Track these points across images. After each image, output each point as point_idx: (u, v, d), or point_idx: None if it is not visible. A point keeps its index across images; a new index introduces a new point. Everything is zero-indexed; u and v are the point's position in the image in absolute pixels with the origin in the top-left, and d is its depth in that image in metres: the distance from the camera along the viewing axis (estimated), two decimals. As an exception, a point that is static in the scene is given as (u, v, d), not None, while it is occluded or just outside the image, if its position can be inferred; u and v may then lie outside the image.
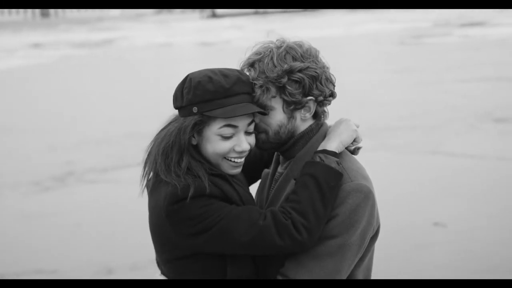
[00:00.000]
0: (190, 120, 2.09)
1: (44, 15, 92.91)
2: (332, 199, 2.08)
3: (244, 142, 2.13)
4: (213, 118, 2.09)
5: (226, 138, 2.11)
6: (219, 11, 70.74)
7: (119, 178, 8.32)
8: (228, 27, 36.85)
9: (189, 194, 2.03)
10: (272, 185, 2.29)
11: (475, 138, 9.27)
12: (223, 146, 2.11)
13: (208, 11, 67.26)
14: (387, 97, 12.59)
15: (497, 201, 6.59)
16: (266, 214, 2.06)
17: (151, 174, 2.17)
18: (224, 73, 2.10)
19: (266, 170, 2.40)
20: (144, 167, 2.21)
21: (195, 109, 2.08)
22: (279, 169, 2.28)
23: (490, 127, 9.88)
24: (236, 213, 2.05)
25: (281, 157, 2.29)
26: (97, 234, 6.40)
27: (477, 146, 8.82)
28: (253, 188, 2.36)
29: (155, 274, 2.27)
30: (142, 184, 2.22)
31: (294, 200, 2.07)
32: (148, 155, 2.20)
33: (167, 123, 2.19)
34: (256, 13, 70.88)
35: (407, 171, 7.81)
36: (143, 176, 2.21)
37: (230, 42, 26.80)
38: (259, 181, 2.44)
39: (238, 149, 2.13)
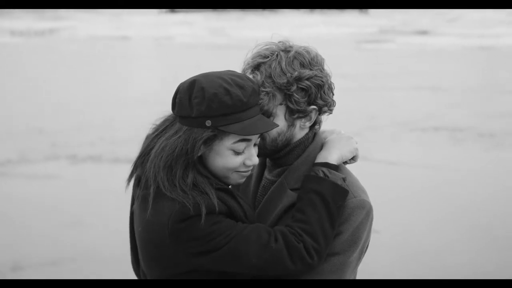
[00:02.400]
0: (200, 134, 1.94)
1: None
2: (338, 218, 2.03)
3: (255, 156, 2.04)
4: (227, 133, 1.96)
5: (238, 152, 2.01)
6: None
7: (22, 173, 8.08)
8: (178, 23, 36.40)
9: (203, 213, 1.92)
10: (260, 191, 2.21)
11: (398, 146, 9.27)
12: (235, 160, 2.01)
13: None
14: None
15: (426, 206, 6.71)
16: (276, 235, 1.98)
17: (152, 187, 1.98)
18: (239, 84, 1.96)
19: None
20: (131, 174, 2.07)
21: (208, 123, 1.94)
22: (268, 176, 2.20)
23: (412, 135, 9.87)
24: (246, 233, 1.96)
25: (269, 163, 2.20)
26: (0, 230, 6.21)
27: (400, 154, 8.81)
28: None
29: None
30: (128, 188, 2.10)
31: (302, 220, 1.99)
32: (140, 163, 2.03)
33: (160, 128, 2.03)
34: (214, 9, 70.50)
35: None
36: (128, 181, 2.08)
37: (173, 38, 26.45)
38: None
39: (249, 163, 2.04)
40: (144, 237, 2.03)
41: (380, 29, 30.32)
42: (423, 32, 28.17)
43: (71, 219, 6.44)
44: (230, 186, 2.11)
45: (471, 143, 9.41)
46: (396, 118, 11.06)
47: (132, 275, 4.91)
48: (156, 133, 2.03)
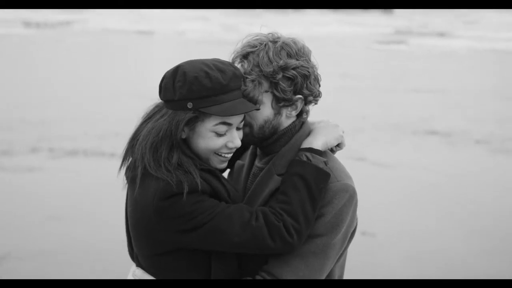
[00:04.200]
0: (183, 116, 2.04)
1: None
2: (320, 200, 2.08)
3: (237, 139, 2.11)
4: (208, 115, 2.05)
5: (220, 134, 2.08)
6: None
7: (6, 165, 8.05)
8: (193, 18, 36.29)
9: (185, 191, 1.99)
10: (250, 178, 2.28)
11: (394, 148, 9.14)
12: (217, 142, 2.09)
13: None
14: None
15: (423, 209, 6.68)
16: (257, 214, 2.05)
17: (139, 168, 2.08)
18: (219, 68, 2.05)
19: (239, 162, 2.38)
20: (124, 158, 2.16)
21: (190, 105, 2.03)
22: (258, 164, 2.27)
23: (407, 138, 9.73)
24: (228, 213, 2.03)
25: (259, 151, 2.27)
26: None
27: (396, 156, 8.69)
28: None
29: (132, 266, 2.22)
30: (121, 174, 2.18)
31: (284, 201, 2.06)
32: (130, 147, 2.14)
33: (148, 114, 2.13)
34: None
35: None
36: (121, 167, 2.17)
37: (185, 33, 26.31)
38: (228, 171, 2.43)
39: (231, 145, 2.11)
40: (133, 216, 2.11)
41: (396, 30, 29.89)
42: (441, 34, 27.71)
43: (55, 212, 6.39)
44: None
45: (468, 147, 9.26)
46: (392, 120, 10.89)
47: (116, 267, 4.68)
48: (145, 119, 2.12)
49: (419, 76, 16.01)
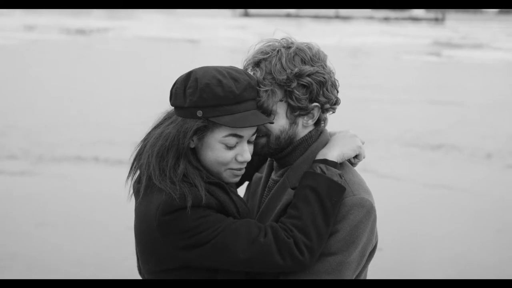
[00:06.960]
0: (192, 124, 1.95)
1: None
2: (334, 215, 1.97)
3: (247, 152, 2.01)
4: (218, 125, 1.95)
5: (230, 147, 1.98)
6: (252, 10, 69.94)
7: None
8: (229, 27, 36.26)
9: (188, 205, 1.90)
10: (265, 192, 2.19)
11: (404, 161, 8.97)
12: (226, 155, 1.99)
13: (241, 9, 66.61)
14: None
15: (429, 223, 6.62)
16: (266, 230, 1.94)
17: (144, 177, 1.99)
18: (233, 77, 1.94)
19: (257, 175, 2.30)
20: (131, 167, 2.08)
21: (199, 113, 1.94)
22: (273, 176, 2.18)
23: (416, 151, 9.53)
24: (234, 228, 1.93)
25: (275, 164, 2.19)
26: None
27: (405, 169, 8.54)
28: (240, 191, 2.22)
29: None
30: (129, 186, 2.09)
31: (295, 216, 1.95)
32: (138, 155, 2.06)
33: (159, 121, 2.05)
34: (287, 15, 70.05)
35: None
36: (129, 176, 2.08)
37: (216, 41, 26.26)
38: (246, 183, 2.35)
39: (240, 159, 2.01)
40: (137, 229, 2.03)
41: (434, 41, 29.25)
42: (478, 46, 26.97)
43: (46, 218, 6.37)
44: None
45: (480, 162, 9.04)
46: (402, 133, 10.65)
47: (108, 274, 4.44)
48: (154, 126, 2.04)
49: (440, 88, 15.64)
